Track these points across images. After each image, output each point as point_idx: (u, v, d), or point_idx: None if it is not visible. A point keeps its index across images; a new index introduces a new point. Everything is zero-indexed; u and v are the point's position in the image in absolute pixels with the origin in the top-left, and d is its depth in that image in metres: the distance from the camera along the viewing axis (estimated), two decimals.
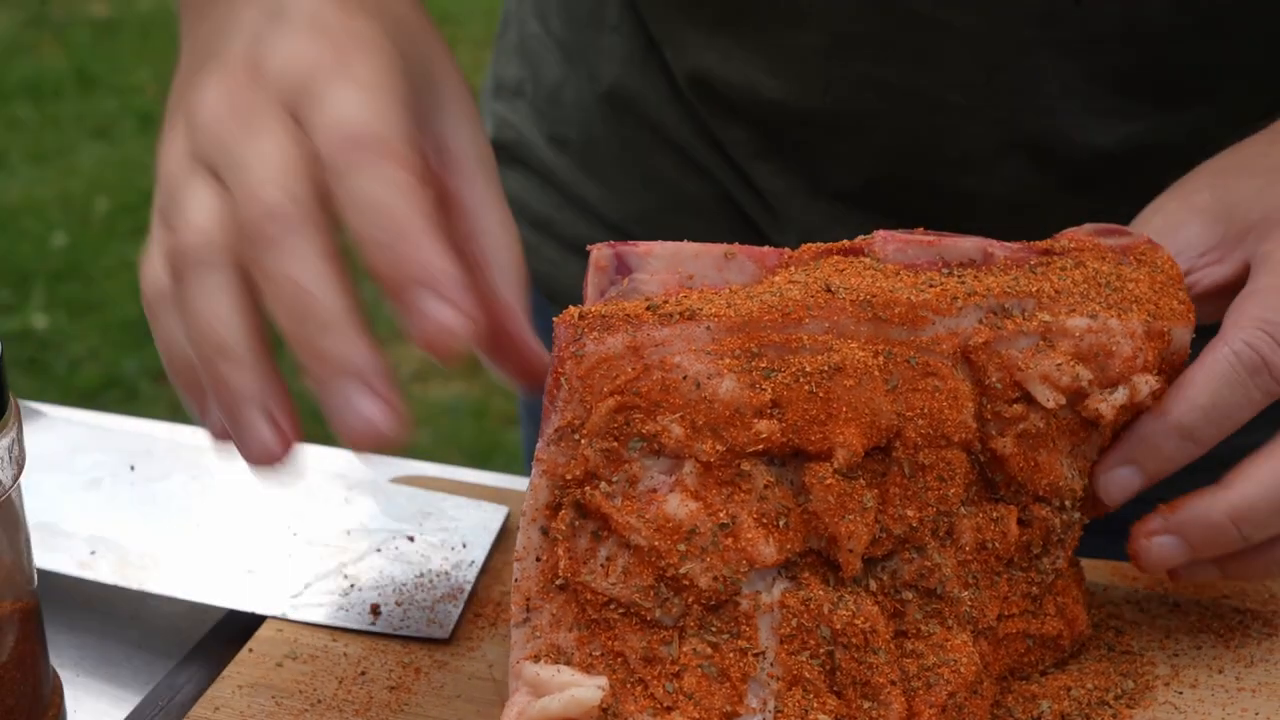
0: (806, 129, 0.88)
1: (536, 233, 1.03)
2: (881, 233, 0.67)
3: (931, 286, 0.65)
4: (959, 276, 0.66)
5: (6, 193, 3.75)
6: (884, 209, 0.87)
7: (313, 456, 0.87)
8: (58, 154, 3.97)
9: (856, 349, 0.61)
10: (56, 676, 0.70)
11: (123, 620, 0.78)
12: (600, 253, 0.66)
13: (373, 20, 0.63)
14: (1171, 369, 0.68)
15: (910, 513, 0.63)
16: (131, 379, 2.98)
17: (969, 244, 0.67)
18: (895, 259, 0.66)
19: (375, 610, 0.74)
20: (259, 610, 0.75)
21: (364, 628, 0.73)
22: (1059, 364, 0.64)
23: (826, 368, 0.61)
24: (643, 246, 0.66)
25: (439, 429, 2.87)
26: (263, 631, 0.73)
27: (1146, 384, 0.66)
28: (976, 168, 0.85)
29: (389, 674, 0.71)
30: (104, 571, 0.77)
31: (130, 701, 0.72)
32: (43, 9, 4.86)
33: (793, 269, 0.65)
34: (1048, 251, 0.69)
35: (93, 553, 0.78)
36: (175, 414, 0.88)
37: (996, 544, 0.65)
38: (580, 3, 0.97)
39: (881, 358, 0.62)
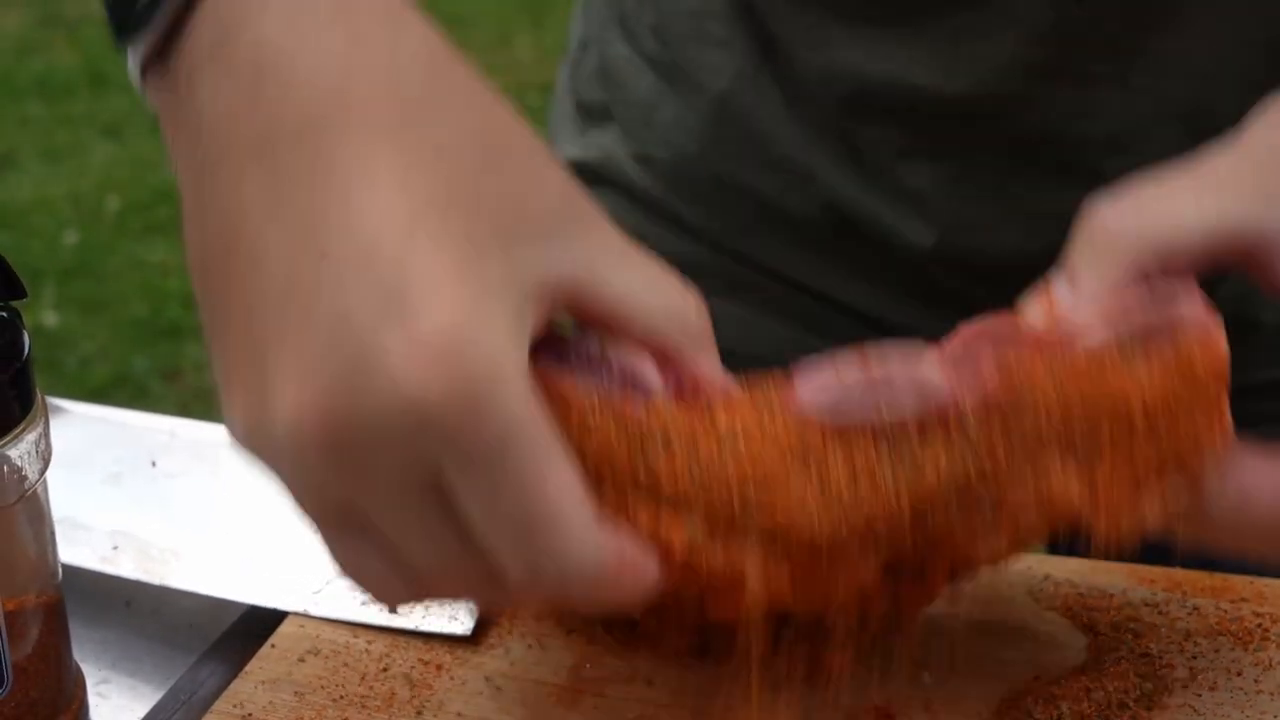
0: (951, 119, 0.86)
1: None
2: (806, 372, 0.58)
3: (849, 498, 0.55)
4: (894, 459, 0.56)
5: (18, 191, 3.76)
6: (1028, 193, 0.86)
7: None
8: (69, 153, 3.98)
9: None
10: (79, 671, 0.70)
11: (144, 616, 0.79)
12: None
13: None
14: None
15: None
16: (141, 377, 2.99)
17: (920, 383, 0.57)
18: (822, 414, 0.56)
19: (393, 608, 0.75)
20: (281, 606, 0.75)
21: (386, 624, 0.74)
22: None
23: None
24: None
25: None
26: (284, 627, 0.74)
27: None
28: (1124, 146, 0.84)
29: (411, 670, 0.71)
30: (125, 566, 0.78)
31: (152, 697, 0.73)
32: (55, 8, 4.87)
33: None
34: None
35: (114, 548, 0.79)
36: (184, 411, 0.89)
37: None
38: (678, 20, 0.95)
39: None
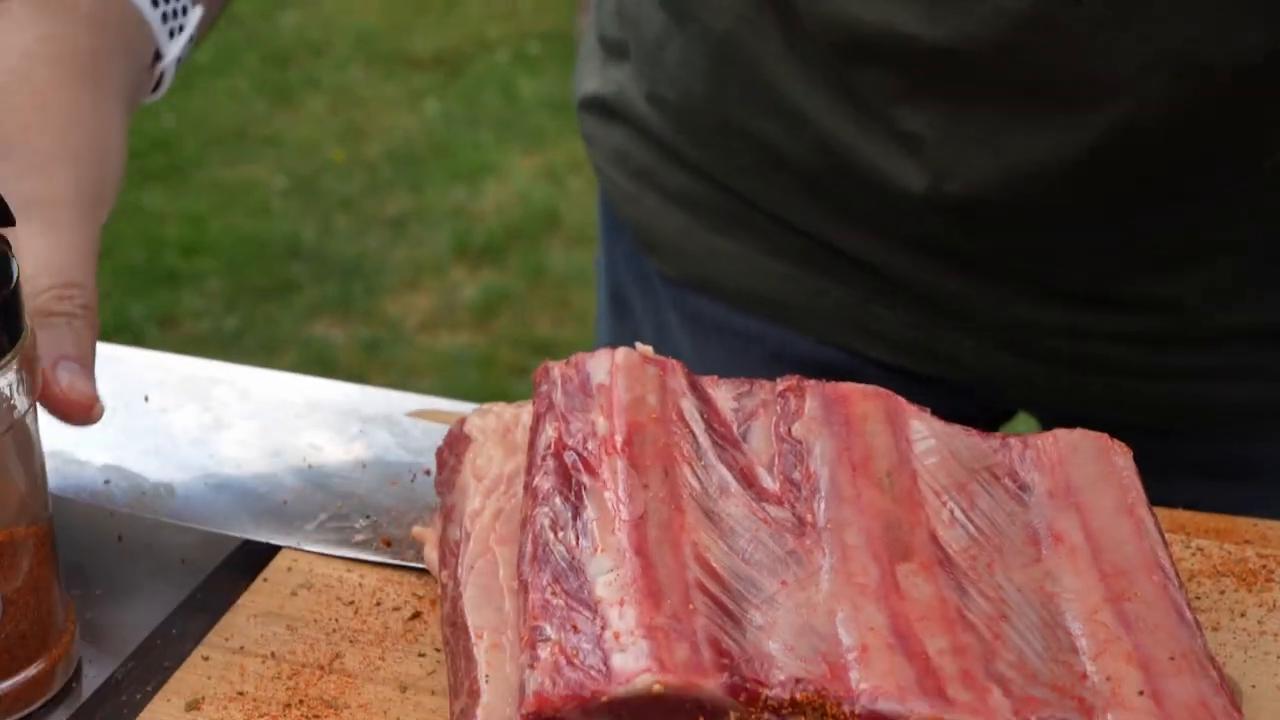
0: (943, 67, 0.85)
1: (637, 183, 1.03)
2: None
3: None
4: None
5: None
6: (1023, 136, 0.86)
7: (326, 390, 0.87)
8: None
9: None
10: (70, 603, 0.70)
11: (137, 550, 0.78)
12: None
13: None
14: None
15: None
16: (139, 323, 2.98)
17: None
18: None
19: (388, 542, 0.74)
20: (274, 541, 0.74)
21: (379, 559, 0.73)
22: None
23: None
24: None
25: (446, 378, 2.87)
26: (277, 562, 0.73)
27: None
28: (1113, 94, 0.83)
29: (405, 604, 0.70)
30: (118, 500, 0.77)
31: (144, 630, 0.72)
32: None
33: None
34: None
35: (107, 482, 0.78)
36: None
37: None
38: None
39: None
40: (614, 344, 0.72)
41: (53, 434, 0.79)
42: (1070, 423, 0.73)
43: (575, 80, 1.11)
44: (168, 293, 3.12)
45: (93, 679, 0.69)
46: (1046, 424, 1.02)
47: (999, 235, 0.91)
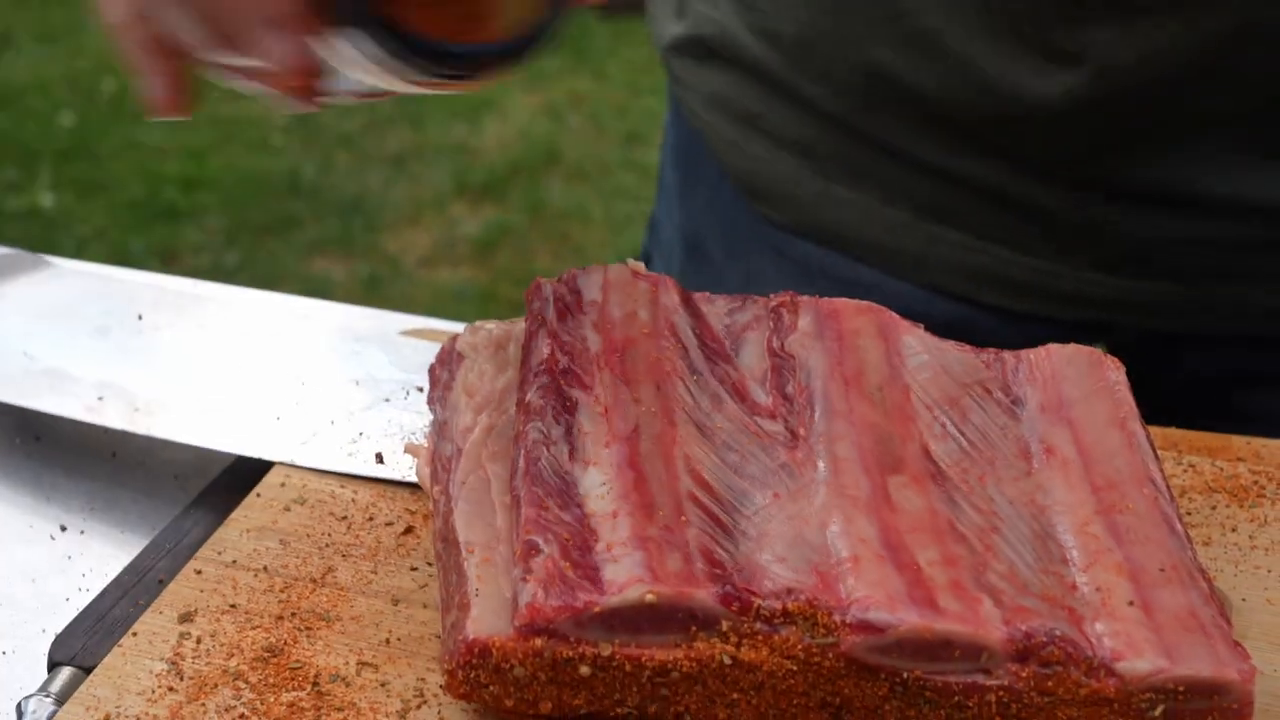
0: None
1: (742, 128, 1.00)
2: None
3: None
4: None
5: (13, 72, 3.72)
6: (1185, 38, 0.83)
7: (320, 311, 0.87)
8: (65, 33, 3.94)
9: None
10: None
11: (129, 467, 0.78)
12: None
13: None
14: None
15: None
16: (139, 258, 2.97)
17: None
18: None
19: (380, 458, 0.74)
20: (266, 456, 0.74)
21: (373, 474, 0.73)
22: None
23: None
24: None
25: (445, 314, 2.86)
26: (270, 477, 0.73)
27: None
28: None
29: (397, 519, 0.71)
30: (112, 417, 0.77)
31: (137, 546, 0.72)
32: None
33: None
34: None
35: (100, 398, 0.78)
36: None
37: None
38: None
39: None
40: None
41: (46, 352, 0.80)
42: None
43: (653, 25, 1.07)
44: (167, 228, 3.11)
45: (86, 592, 0.70)
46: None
47: (1139, 147, 0.88)
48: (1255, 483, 0.72)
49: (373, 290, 2.93)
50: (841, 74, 0.93)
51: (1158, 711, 0.58)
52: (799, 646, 0.58)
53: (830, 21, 0.93)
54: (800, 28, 0.94)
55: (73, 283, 0.88)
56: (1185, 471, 0.73)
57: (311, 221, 3.17)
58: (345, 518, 0.71)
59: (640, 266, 0.71)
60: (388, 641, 0.64)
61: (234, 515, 0.70)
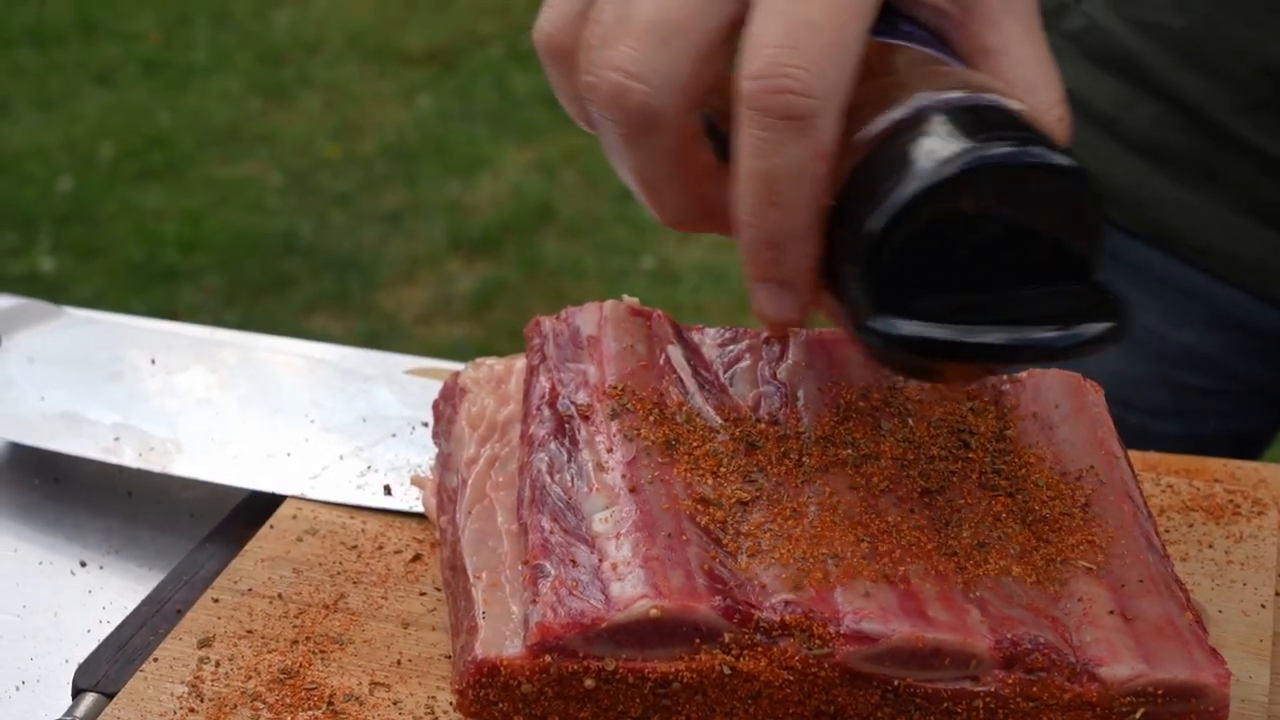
0: None
1: (1093, 130, 0.98)
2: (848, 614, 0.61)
3: None
4: None
5: (11, 138, 3.76)
6: None
7: (327, 353, 0.89)
8: (61, 100, 3.97)
9: None
10: None
11: (146, 504, 0.81)
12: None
13: None
14: None
15: None
16: None
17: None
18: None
19: (387, 490, 0.76)
20: (278, 490, 0.77)
21: (381, 506, 0.76)
22: None
23: None
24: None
25: None
26: (283, 510, 0.76)
27: None
28: None
29: (405, 547, 0.73)
30: (128, 456, 0.79)
31: (154, 579, 0.75)
32: None
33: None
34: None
35: (116, 439, 0.80)
36: None
37: None
38: None
39: None
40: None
41: (63, 396, 0.82)
42: None
43: None
44: (166, 289, 3.14)
45: (107, 624, 0.72)
46: None
47: None
48: (1231, 502, 0.75)
49: (371, 347, 2.95)
50: (1227, 68, 0.91)
51: (1138, 715, 0.60)
52: (796, 657, 0.60)
53: (1226, 14, 0.90)
54: (1190, 19, 0.92)
55: (86, 330, 0.91)
56: (1163, 491, 0.76)
57: (308, 280, 3.20)
58: (355, 547, 0.73)
59: (635, 302, 0.74)
60: (399, 662, 0.66)
61: (248, 547, 0.73)
